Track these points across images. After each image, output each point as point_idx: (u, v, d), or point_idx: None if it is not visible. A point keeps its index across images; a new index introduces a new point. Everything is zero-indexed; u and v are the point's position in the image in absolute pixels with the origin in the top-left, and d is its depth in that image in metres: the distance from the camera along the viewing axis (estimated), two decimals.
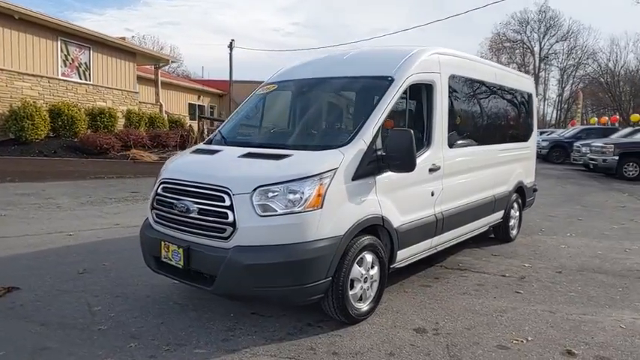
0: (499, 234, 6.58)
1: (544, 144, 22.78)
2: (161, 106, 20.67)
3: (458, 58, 5.15)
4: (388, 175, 3.91)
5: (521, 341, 3.51)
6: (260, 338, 3.49)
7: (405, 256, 4.31)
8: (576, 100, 43.17)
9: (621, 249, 6.43)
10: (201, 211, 3.50)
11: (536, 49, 55.91)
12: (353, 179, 3.61)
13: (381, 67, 4.40)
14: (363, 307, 3.79)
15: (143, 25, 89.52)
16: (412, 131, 3.73)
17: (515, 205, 6.72)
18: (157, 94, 20.89)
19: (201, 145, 4.55)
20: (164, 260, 3.70)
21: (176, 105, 27.44)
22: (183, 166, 4.06)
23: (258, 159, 3.70)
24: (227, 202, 3.36)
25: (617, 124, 31.50)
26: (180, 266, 3.55)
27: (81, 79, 16.01)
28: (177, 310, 4.02)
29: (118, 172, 13.25)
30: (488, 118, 6.01)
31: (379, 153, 3.81)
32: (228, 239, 3.34)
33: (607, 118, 35.98)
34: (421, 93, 4.50)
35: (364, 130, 3.79)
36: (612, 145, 16.19)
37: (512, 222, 6.65)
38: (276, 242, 3.28)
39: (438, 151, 4.58)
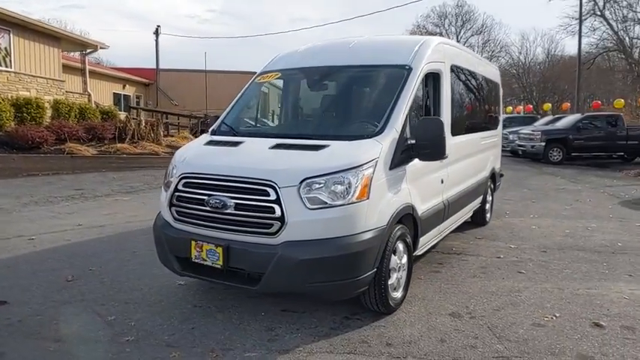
0: (476, 218, 6.87)
1: None
2: (90, 95, 19.16)
3: (456, 48, 5.28)
4: (414, 164, 3.93)
5: (552, 318, 3.71)
6: (306, 335, 3.37)
7: (423, 242, 4.38)
8: None
9: (583, 227, 6.99)
10: (239, 207, 3.29)
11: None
12: (390, 169, 3.58)
13: (394, 55, 4.38)
14: (398, 295, 3.80)
15: (43, 8, 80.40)
16: (442, 119, 3.77)
17: (489, 190, 7.07)
18: (85, 82, 19.31)
19: (211, 137, 4.25)
20: (196, 261, 3.43)
21: (101, 94, 25.51)
22: (205, 159, 3.77)
23: (295, 150, 3.54)
24: (273, 197, 3.18)
25: (526, 113, 34.15)
26: (219, 266, 3.32)
27: (1, 66, 14.35)
28: (200, 313, 3.77)
29: (53, 168, 12.13)
30: (475, 107, 6.24)
31: (409, 142, 3.81)
32: (276, 235, 3.17)
33: (522, 107, 38.87)
34: (430, 82, 4.55)
35: (394, 118, 3.76)
36: (539, 132, 17.55)
37: (487, 206, 6.99)
38: (327, 235, 3.18)
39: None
